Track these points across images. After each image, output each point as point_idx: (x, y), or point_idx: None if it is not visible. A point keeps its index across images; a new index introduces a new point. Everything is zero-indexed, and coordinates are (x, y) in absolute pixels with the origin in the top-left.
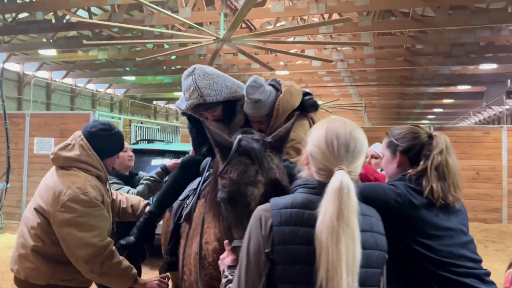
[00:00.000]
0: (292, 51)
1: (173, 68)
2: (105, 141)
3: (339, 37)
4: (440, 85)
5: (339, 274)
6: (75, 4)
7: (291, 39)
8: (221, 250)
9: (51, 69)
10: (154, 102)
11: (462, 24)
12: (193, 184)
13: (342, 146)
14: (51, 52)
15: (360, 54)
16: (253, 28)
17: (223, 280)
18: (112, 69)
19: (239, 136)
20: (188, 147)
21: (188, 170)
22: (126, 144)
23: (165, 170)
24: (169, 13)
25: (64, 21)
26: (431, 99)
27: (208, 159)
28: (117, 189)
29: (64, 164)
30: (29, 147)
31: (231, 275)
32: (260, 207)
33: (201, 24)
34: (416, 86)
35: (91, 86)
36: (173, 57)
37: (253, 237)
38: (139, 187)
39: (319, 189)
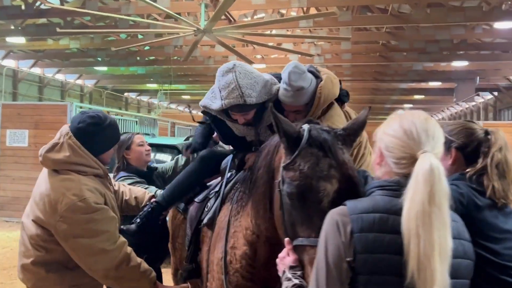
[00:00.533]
0: (269, 44)
1: (147, 59)
2: (97, 136)
3: (318, 32)
4: (412, 81)
5: (432, 264)
6: None
7: (268, 32)
8: (252, 255)
9: (18, 57)
10: (126, 94)
11: (438, 22)
12: (213, 185)
13: (422, 132)
14: (20, 40)
15: (338, 49)
16: (232, 20)
17: (287, 283)
18: (83, 59)
19: (307, 126)
20: (176, 141)
21: (207, 165)
22: (142, 138)
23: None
24: (149, 1)
25: (34, 7)
26: (402, 95)
27: (228, 159)
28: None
29: (54, 167)
30: (0, 139)
31: (295, 278)
32: (334, 211)
33: (179, 15)
34: (389, 82)
35: (60, 76)
36: (147, 47)
37: (331, 244)
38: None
39: (400, 191)
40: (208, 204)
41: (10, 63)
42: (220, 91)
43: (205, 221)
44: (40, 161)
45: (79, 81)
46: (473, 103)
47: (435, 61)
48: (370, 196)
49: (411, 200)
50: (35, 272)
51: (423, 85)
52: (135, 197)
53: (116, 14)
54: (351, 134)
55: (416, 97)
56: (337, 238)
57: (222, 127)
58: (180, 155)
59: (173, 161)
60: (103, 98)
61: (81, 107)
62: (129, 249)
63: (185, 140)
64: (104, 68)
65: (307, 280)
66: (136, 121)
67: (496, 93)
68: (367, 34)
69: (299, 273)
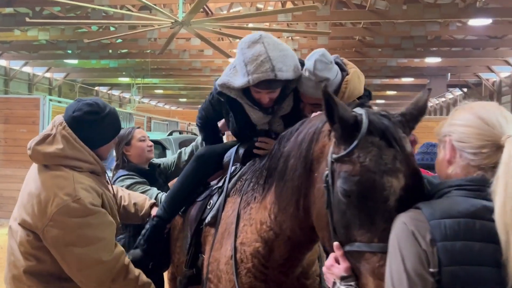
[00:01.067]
0: None
1: (119, 52)
2: (95, 127)
3: (296, 26)
4: (386, 77)
5: None
6: None
7: (247, 25)
8: (266, 254)
9: None
10: (96, 88)
11: (415, 18)
12: (215, 181)
13: (501, 117)
14: None
15: (314, 44)
16: (210, 12)
17: None
18: (53, 52)
19: (363, 110)
20: (157, 136)
21: (206, 163)
22: (143, 132)
23: None
24: None
25: None
26: (375, 91)
27: (232, 151)
28: (142, 192)
29: (45, 162)
30: None
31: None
32: (406, 216)
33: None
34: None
35: (27, 69)
36: (119, 40)
37: (408, 253)
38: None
39: (484, 191)
40: (211, 201)
41: None
42: (246, 65)
43: (208, 219)
44: (29, 155)
45: (48, 74)
46: (443, 99)
47: (409, 57)
48: (447, 198)
49: (505, 192)
50: (26, 283)
51: (396, 81)
52: (134, 204)
53: (89, 4)
54: (411, 121)
55: (389, 93)
56: (415, 246)
57: (235, 113)
58: (183, 149)
59: (175, 156)
60: (74, 92)
61: (56, 101)
62: (127, 260)
63: (168, 135)
64: (75, 61)
65: None
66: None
67: (465, 89)
68: (344, 30)
69: (353, 283)
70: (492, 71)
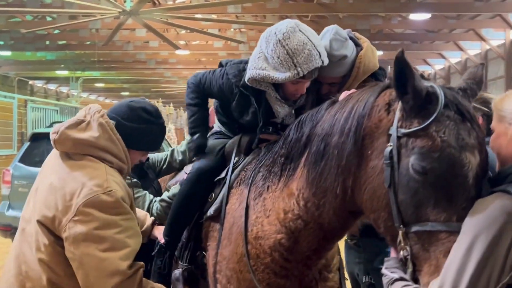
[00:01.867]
0: (197, 29)
1: (59, 43)
2: (142, 127)
3: (245, 18)
4: None
5: None
6: None
7: (197, 16)
8: (291, 246)
9: None
10: (31, 82)
11: (360, 11)
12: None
13: None
14: None
15: None
16: (157, 2)
17: (384, 279)
18: None
19: (433, 83)
20: None
21: (205, 181)
22: None
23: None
24: None
25: None
26: None
27: (234, 142)
28: (136, 197)
29: (73, 150)
30: None
31: (391, 272)
32: (502, 197)
33: None
34: None
35: None
36: (57, 31)
37: (497, 236)
38: (156, 208)
39: None
40: (212, 194)
41: None
42: (293, 57)
43: (211, 212)
44: (54, 140)
45: None
46: None
47: None
48: None
49: None
50: None
51: None
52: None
53: None
54: (471, 96)
55: None
56: (508, 231)
57: (259, 106)
58: (176, 147)
59: (167, 153)
60: (6, 86)
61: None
62: (141, 276)
63: (48, 126)
64: (8, 53)
65: (430, 275)
66: (57, 110)
67: None
68: None
69: (391, 262)
70: (427, 63)
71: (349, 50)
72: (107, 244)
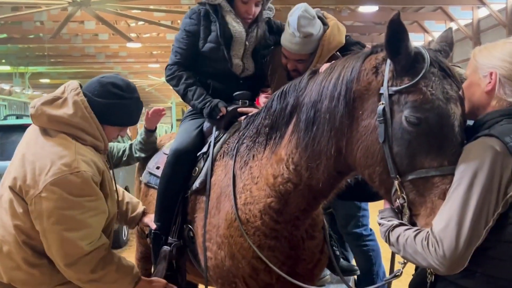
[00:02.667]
0: (140, 23)
1: (0, 37)
2: (114, 103)
3: None
4: None
5: None
6: None
7: (150, 7)
8: (280, 208)
9: None
10: None
11: (313, 4)
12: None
13: None
14: None
15: None
16: None
17: (381, 228)
18: None
19: (419, 46)
20: None
21: (185, 160)
22: None
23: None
24: None
25: None
26: None
27: (208, 123)
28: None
29: (48, 125)
30: None
31: (388, 220)
32: (487, 142)
33: None
34: None
35: None
36: None
37: (490, 174)
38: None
39: None
40: (196, 168)
41: None
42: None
43: (196, 185)
44: (31, 114)
45: None
46: None
47: None
48: (502, 125)
49: None
50: (17, 261)
51: None
52: (127, 202)
53: None
54: (445, 56)
55: None
56: (496, 170)
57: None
58: (134, 142)
59: (126, 146)
60: None
61: None
62: (108, 250)
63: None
64: None
65: (428, 217)
66: (5, 105)
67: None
68: None
69: (386, 213)
70: None
71: (316, 28)
72: (69, 224)
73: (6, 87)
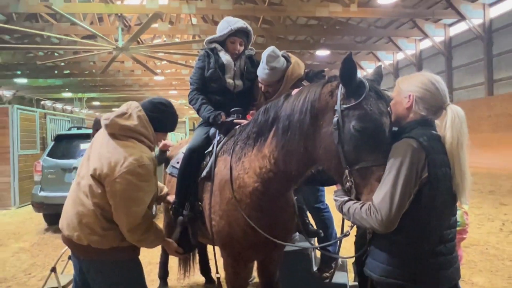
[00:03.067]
0: (164, 62)
1: (64, 72)
2: (163, 115)
3: None
4: None
5: (467, 174)
6: None
7: (171, 51)
8: (263, 190)
9: None
10: (42, 102)
11: (283, 48)
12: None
13: (445, 88)
14: None
15: None
16: (141, 41)
17: (336, 204)
18: (3, 72)
19: (361, 77)
20: None
21: (196, 156)
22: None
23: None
24: (82, 23)
25: None
26: None
27: (213, 130)
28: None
29: (118, 132)
30: None
31: (340, 197)
32: (410, 141)
33: (94, 36)
34: None
35: None
36: (63, 63)
37: (411, 163)
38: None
39: (434, 126)
40: (204, 162)
41: None
42: (229, 23)
43: (204, 174)
44: (105, 124)
45: None
46: None
47: None
48: (422, 130)
49: (451, 136)
50: (95, 228)
51: None
52: (157, 186)
53: (39, 31)
54: (378, 84)
55: None
56: (415, 162)
57: (215, 57)
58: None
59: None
60: (27, 105)
61: (22, 109)
62: (150, 221)
63: (68, 130)
64: (24, 80)
65: (368, 194)
66: (69, 120)
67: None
68: None
69: (339, 192)
70: None
71: (280, 64)
72: (133, 202)
73: (69, 107)
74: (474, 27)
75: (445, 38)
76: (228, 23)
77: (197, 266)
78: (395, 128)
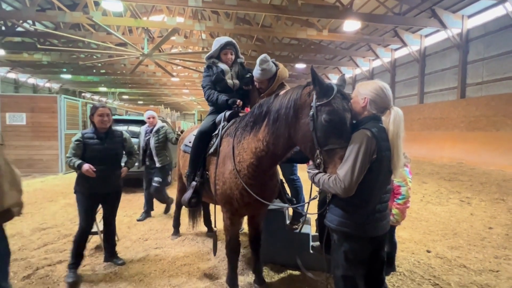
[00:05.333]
0: (179, 67)
1: (101, 71)
2: None
3: None
4: None
5: (399, 156)
6: (26, 17)
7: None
8: (257, 164)
9: None
10: (83, 94)
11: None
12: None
13: (391, 94)
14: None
15: None
16: (162, 50)
17: (308, 175)
18: (51, 69)
19: (331, 82)
20: (139, 118)
21: (205, 137)
22: (103, 110)
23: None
24: (116, 33)
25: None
26: None
27: (221, 116)
28: None
29: None
30: (1, 120)
31: (312, 170)
32: (365, 131)
33: (125, 44)
34: None
35: (31, 80)
36: (99, 64)
37: (365, 148)
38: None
39: (381, 121)
40: (211, 142)
41: None
42: (220, 42)
43: (211, 151)
44: None
45: (47, 85)
46: None
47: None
48: (374, 123)
49: (392, 129)
50: None
51: None
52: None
53: (80, 38)
54: (342, 89)
55: None
56: (369, 147)
57: (216, 67)
58: (171, 137)
59: (170, 138)
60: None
61: (68, 98)
62: None
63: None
64: (69, 76)
65: (333, 168)
66: None
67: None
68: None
69: (311, 167)
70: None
71: (269, 66)
72: None
73: (103, 99)
74: (413, 52)
75: (391, 59)
76: (218, 41)
77: (201, 220)
78: (354, 121)
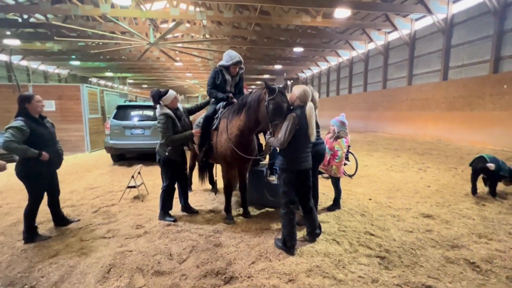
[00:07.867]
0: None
1: (107, 57)
2: None
3: (212, 47)
4: (255, 78)
5: (312, 128)
6: (43, 11)
7: (185, 45)
8: (240, 135)
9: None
10: (90, 79)
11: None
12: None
13: (310, 93)
14: (15, 42)
15: (220, 57)
16: (166, 38)
17: (266, 139)
18: (61, 56)
19: (276, 86)
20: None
21: (210, 119)
22: (40, 97)
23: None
24: (123, 25)
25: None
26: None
27: (220, 104)
28: None
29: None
30: None
31: (268, 136)
32: (294, 113)
33: (131, 33)
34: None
35: (42, 67)
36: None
37: (292, 123)
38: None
39: (304, 108)
40: (215, 121)
41: (4, 57)
42: (230, 56)
43: (214, 127)
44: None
45: (57, 71)
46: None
47: (268, 64)
48: (299, 110)
49: (308, 112)
50: None
51: (259, 76)
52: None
53: (89, 29)
54: (285, 89)
55: (253, 86)
56: (295, 122)
57: (221, 74)
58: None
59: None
60: (74, 82)
61: (89, 87)
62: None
63: (124, 102)
64: (77, 63)
65: (277, 133)
66: (118, 94)
67: (292, 81)
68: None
69: (269, 135)
70: (303, 72)
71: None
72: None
73: (109, 83)
74: (403, 36)
75: (385, 42)
76: (231, 57)
77: (207, 181)
78: (291, 107)
